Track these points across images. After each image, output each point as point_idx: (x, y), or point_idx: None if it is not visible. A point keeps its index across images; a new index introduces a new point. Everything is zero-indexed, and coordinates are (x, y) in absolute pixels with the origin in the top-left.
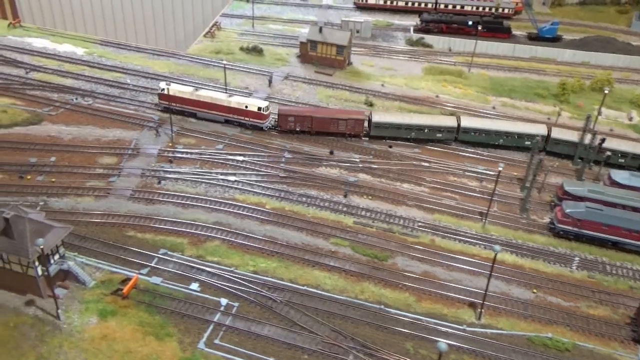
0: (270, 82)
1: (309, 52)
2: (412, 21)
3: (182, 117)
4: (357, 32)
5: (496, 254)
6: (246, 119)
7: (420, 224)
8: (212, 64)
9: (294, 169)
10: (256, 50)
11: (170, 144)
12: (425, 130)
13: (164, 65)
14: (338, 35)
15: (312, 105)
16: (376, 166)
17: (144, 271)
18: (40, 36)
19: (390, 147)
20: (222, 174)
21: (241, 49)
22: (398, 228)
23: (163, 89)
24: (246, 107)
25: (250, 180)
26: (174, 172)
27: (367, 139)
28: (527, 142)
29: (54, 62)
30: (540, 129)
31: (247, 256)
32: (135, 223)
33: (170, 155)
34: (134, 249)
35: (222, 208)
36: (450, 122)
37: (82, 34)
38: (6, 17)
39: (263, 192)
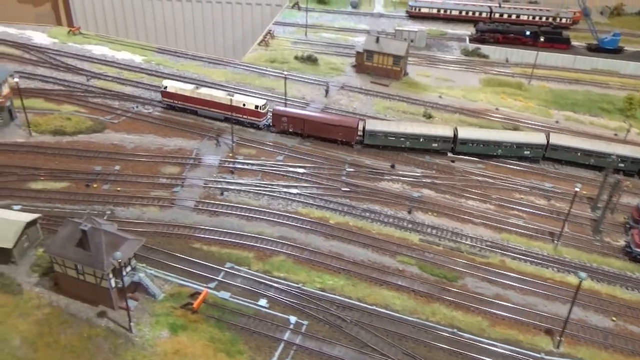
0: (327, 92)
1: (364, 62)
2: (465, 30)
3: (241, 127)
4: (412, 41)
5: (581, 282)
6: (244, 116)
7: (488, 243)
8: (268, 72)
9: (356, 182)
10: (311, 60)
11: (231, 155)
12: (421, 140)
13: (221, 73)
14: (395, 45)
15: (364, 114)
16: (439, 181)
17: (212, 285)
18: (99, 43)
19: (453, 161)
20: (283, 186)
21: (296, 57)
22: (466, 247)
23: (165, 87)
24: (244, 105)
25: (312, 194)
26: (236, 184)
27: (359, 146)
28: (527, 152)
29: (113, 70)
30: (539, 138)
31: (314, 272)
32: (200, 235)
33: (231, 166)
34: (201, 261)
35: (285, 222)
36: (446, 131)
37: (139, 41)
38: (62, 24)
39: (326, 206)
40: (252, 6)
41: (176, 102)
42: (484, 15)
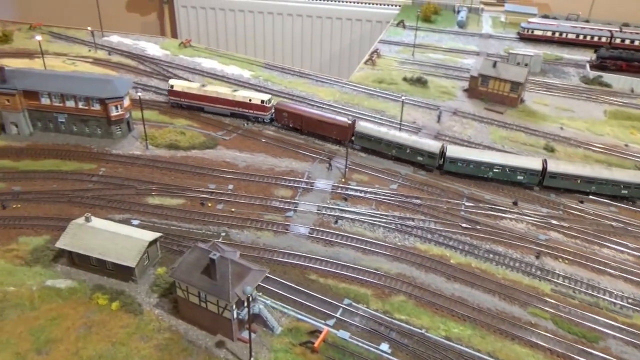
0: (439, 117)
1: (478, 87)
2: (583, 55)
3: (351, 150)
4: (525, 65)
5: None
6: (250, 111)
7: (630, 300)
8: (376, 94)
9: (476, 219)
10: (420, 82)
11: (343, 180)
12: (407, 151)
13: (329, 92)
14: (514, 71)
15: (479, 143)
16: (568, 224)
17: (331, 322)
18: (209, 57)
19: (582, 202)
20: (399, 217)
21: (404, 79)
22: (605, 303)
23: (172, 85)
24: (250, 100)
25: (430, 228)
26: (350, 212)
27: (357, 146)
28: (520, 177)
29: (223, 84)
30: (534, 163)
31: (437, 317)
32: (316, 266)
33: (344, 192)
34: (318, 295)
35: (403, 257)
36: (433, 147)
37: (246, 55)
38: (165, 35)
39: (446, 243)
40: (358, 22)
41: (183, 100)
42: (603, 40)
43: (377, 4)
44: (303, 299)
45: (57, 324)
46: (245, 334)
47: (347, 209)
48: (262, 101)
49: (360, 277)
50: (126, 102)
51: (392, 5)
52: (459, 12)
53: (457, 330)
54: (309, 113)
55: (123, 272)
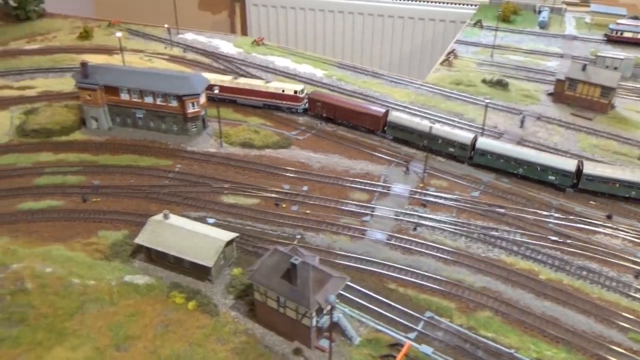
0: (522, 122)
1: (565, 91)
2: None
3: (430, 155)
4: (615, 69)
5: None
6: (283, 102)
7: None
8: (454, 96)
9: (566, 232)
10: (501, 84)
11: (422, 185)
12: (439, 142)
13: (404, 94)
14: (605, 75)
15: (566, 151)
16: None
17: (412, 335)
18: (282, 55)
19: None
20: (482, 227)
21: (484, 81)
22: None
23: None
24: (283, 91)
25: (516, 240)
26: (429, 219)
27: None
28: (552, 177)
29: (296, 83)
30: (568, 164)
31: (527, 337)
32: (395, 275)
33: (422, 198)
34: (397, 305)
35: (488, 270)
36: (464, 139)
37: (322, 55)
38: (235, 33)
39: (533, 257)
40: (431, 22)
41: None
42: None
43: (451, 4)
44: (382, 309)
45: (135, 321)
46: (323, 343)
47: (426, 215)
48: (295, 91)
49: (442, 288)
50: (202, 99)
51: (467, 5)
52: (540, 12)
53: (550, 353)
54: (342, 102)
55: (199, 271)
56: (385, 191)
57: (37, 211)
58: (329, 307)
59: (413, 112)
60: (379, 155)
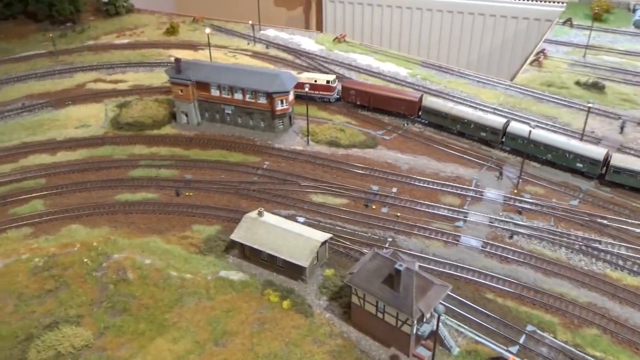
0: (622, 128)
1: None
2: None
3: (525, 160)
4: None
5: None
6: (316, 92)
7: None
8: (546, 98)
9: None
10: (597, 87)
11: (516, 191)
12: (471, 126)
13: (492, 95)
14: None
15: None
16: None
17: (513, 349)
18: (364, 53)
19: None
20: (583, 238)
21: (577, 83)
22: None
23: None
24: (315, 81)
25: (621, 253)
26: (526, 227)
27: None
28: (579, 165)
29: (379, 82)
30: (597, 153)
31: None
32: (492, 284)
33: (517, 204)
34: (496, 317)
35: (592, 284)
36: (496, 123)
37: (404, 53)
38: (309, 29)
39: None
40: (514, 20)
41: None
42: None
43: (536, 1)
44: (481, 320)
45: (232, 317)
46: (421, 351)
47: (522, 223)
48: (328, 81)
49: (544, 301)
50: (291, 97)
51: (553, 2)
52: (635, 10)
53: None
54: (376, 89)
55: (293, 271)
56: (478, 196)
57: (134, 203)
58: (431, 316)
59: (503, 113)
60: (469, 158)
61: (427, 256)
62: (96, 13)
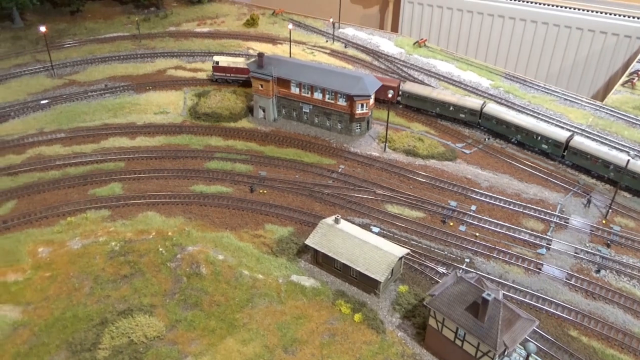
0: None
1: None
2: None
3: (613, 189)
4: None
5: None
6: None
7: None
8: (639, 123)
9: None
10: None
11: (604, 222)
12: (450, 109)
13: (580, 114)
14: None
15: None
16: None
17: None
18: (445, 60)
19: None
20: None
21: None
22: None
23: (217, 62)
24: None
25: None
26: (615, 262)
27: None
28: (544, 146)
29: (460, 91)
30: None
31: None
32: (577, 320)
33: (606, 236)
34: (581, 357)
35: None
36: (473, 104)
37: (484, 62)
38: (383, 29)
39: None
40: (603, 35)
41: (229, 75)
42: None
43: (629, 17)
44: (563, 358)
45: (302, 324)
46: None
47: (610, 257)
48: None
49: (633, 346)
50: (371, 101)
51: None
52: None
53: None
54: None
55: (366, 283)
56: (563, 223)
57: (208, 195)
58: (527, 357)
59: (592, 137)
60: (555, 181)
61: (506, 282)
62: (179, 0)
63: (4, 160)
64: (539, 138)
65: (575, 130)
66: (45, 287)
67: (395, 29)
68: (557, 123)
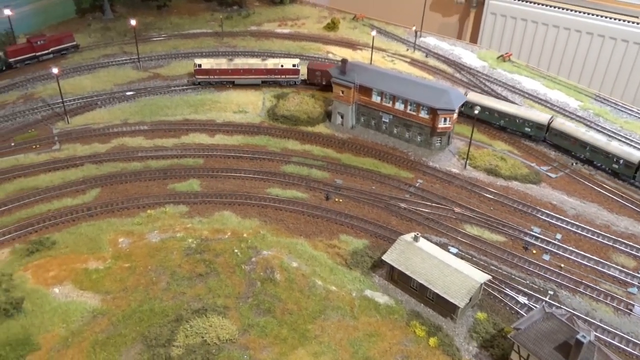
0: None
1: None
2: None
3: None
4: None
5: None
6: (282, 76)
7: None
8: None
9: None
10: None
11: None
12: (516, 121)
13: None
14: None
15: None
16: None
17: None
18: (530, 76)
19: None
20: None
21: None
22: None
23: (200, 64)
24: (282, 66)
25: None
26: None
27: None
28: (615, 166)
29: (547, 111)
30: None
31: None
32: None
33: None
34: None
35: None
36: (540, 117)
37: (573, 81)
38: (461, 39)
39: None
40: None
41: (212, 77)
42: None
43: None
44: None
45: (375, 343)
46: None
47: None
48: (294, 65)
49: None
50: (455, 116)
51: None
52: None
53: None
54: None
55: (443, 306)
56: None
57: (284, 200)
58: None
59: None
60: None
61: (593, 321)
62: (261, 0)
63: (90, 148)
64: (609, 156)
65: None
66: (124, 278)
67: (474, 39)
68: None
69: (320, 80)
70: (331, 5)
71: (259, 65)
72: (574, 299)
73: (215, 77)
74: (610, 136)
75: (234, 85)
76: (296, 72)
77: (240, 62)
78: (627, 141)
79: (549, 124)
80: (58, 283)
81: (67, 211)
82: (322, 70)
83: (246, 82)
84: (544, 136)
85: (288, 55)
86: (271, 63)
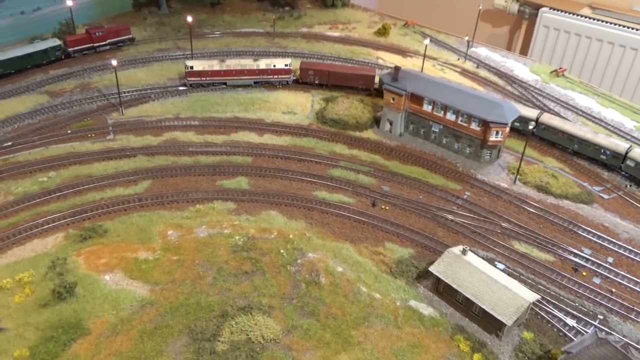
0: None
1: None
2: None
3: None
4: None
5: None
6: (274, 76)
7: None
8: None
9: None
10: None
11: None
12: (591, 148)
13: None
14: None
15: None
16: None
17: None
18: (584, 93)
19: None
20: None
21: None
22: None
23: (191, 66)
24: (274, 66)
25: None
26: None
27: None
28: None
29: (600, 129)
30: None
31: None
32: None
33: None
34: None
35: None
36: (618, 146)
37: (631, 101)
38: (510, 50)
39: None
40: None
41: (204, 79)
42: None
43: None
44: None
45: (418, 354)
46: None
47: None
48: (286, 65)
49: None
50: (507, 129)
51: None
52: None
53: None
54: (334, 67)
55: (489, 323)
56: None
57: (330, 204)
58: None
59: None
60: None
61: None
62: (313, 1)
63: (142, 140)
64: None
65: None
66: (172, 270)
67: (524, 52)
68: None
69: (313, 80)
70: (383, 11)
71: (251, 65)
72: (625, 326)
73: (207, 78)
74: None
75: (226, 86)
76: (288, 71)
77: (233, 63)
78: None
79: (626, 153)
80: (109, 270)
81: (119, 200)
82: (315, 70)
83: (238, 83)
84: (620, 165)
85: (338, 59)
86: (263, 63)
